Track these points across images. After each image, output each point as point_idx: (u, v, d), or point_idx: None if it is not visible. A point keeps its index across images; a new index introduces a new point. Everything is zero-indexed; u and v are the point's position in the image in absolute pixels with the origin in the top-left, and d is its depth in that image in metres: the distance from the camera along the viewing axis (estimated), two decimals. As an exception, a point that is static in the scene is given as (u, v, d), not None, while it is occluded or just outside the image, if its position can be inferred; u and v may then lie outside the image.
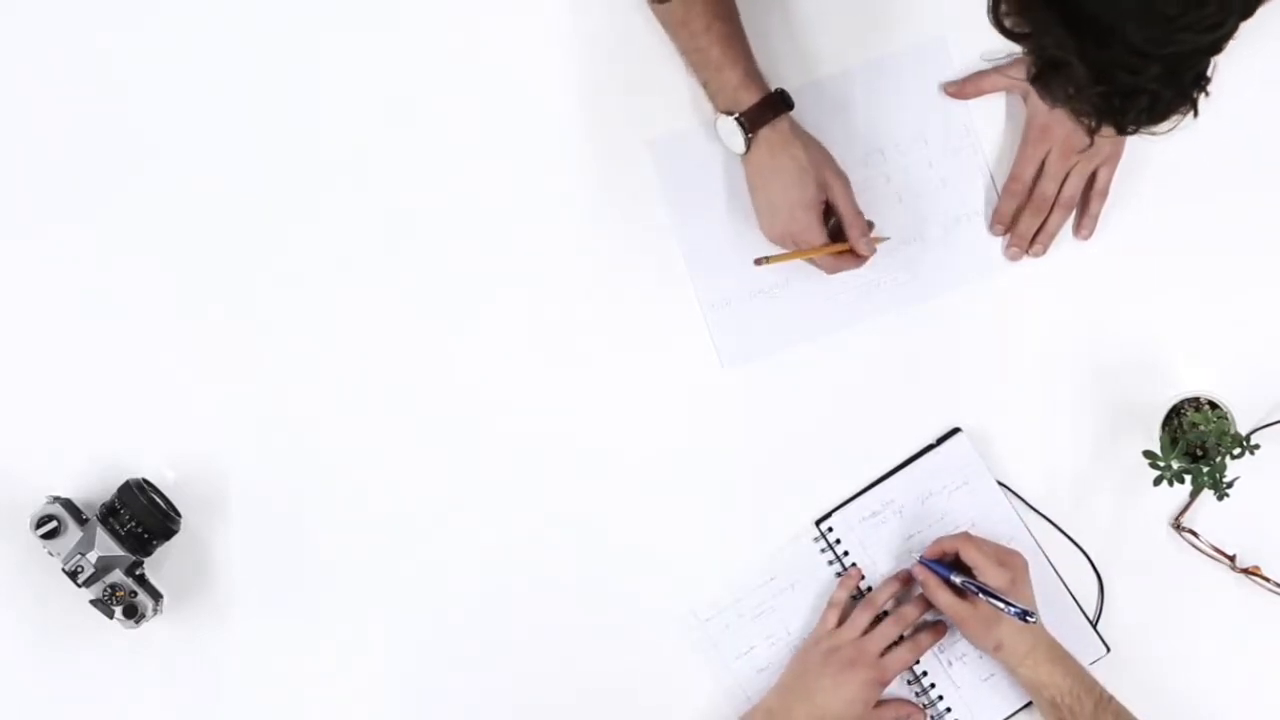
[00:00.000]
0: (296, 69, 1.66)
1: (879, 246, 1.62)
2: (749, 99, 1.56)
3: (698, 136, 1.65)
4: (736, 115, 1.57)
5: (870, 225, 1.61)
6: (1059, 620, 1.63)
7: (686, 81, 1.65)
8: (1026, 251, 1.67)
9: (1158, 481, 1.55)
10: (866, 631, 1.61)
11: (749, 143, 1.57)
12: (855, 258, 1.61)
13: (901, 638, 1.62)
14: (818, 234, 1.58)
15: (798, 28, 1.63)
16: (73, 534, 1.55)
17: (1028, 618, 1.53)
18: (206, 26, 1.65)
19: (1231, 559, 1.62)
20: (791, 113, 1.59)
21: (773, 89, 1.58)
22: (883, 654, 1.60)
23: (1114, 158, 1.64)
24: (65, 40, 1.65)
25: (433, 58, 1.66)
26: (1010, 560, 1.59)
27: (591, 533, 1.65)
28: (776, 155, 1.57)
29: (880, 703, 1.61)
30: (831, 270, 1.61)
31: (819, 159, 1.58)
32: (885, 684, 1.60)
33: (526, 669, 1.65)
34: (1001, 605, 1.55)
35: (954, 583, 1.59)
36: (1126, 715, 1.56)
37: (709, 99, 1.61)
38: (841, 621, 1.62)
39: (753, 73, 1.57)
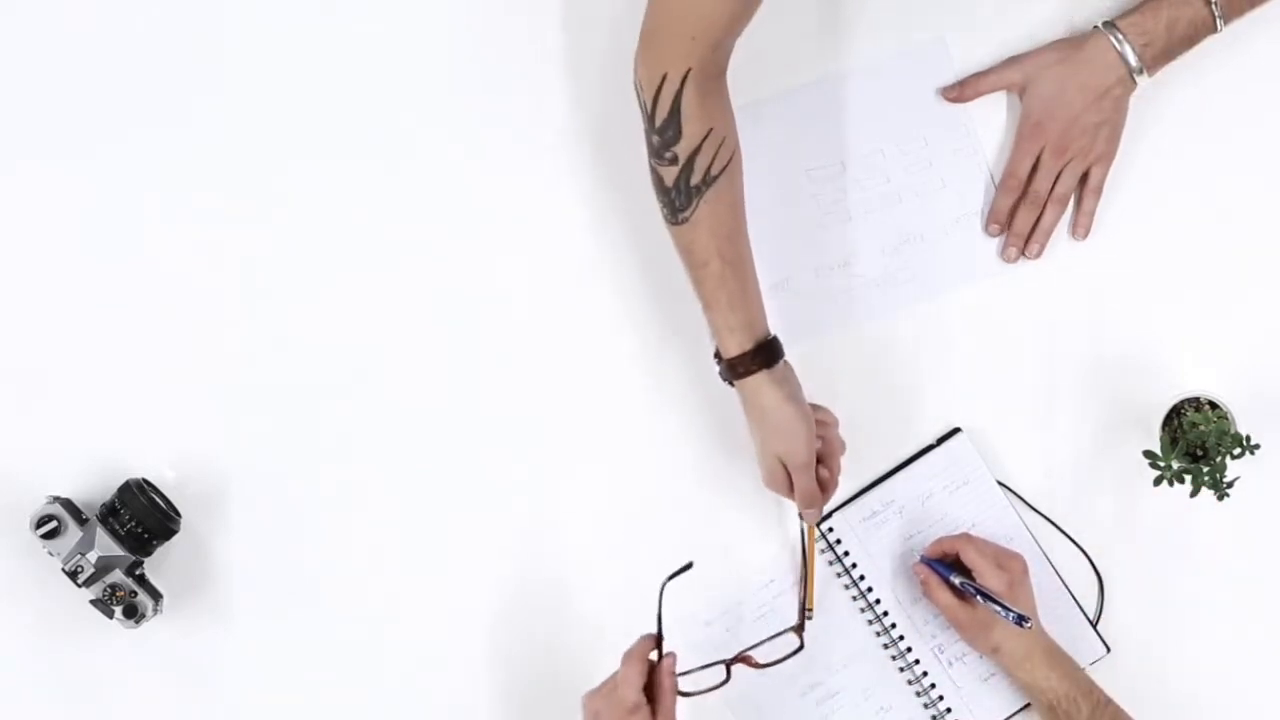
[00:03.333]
0: (296, 71, 1.65)
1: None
2: (731, 349, 1.52)
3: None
4: (718, 362, 1.54)
5: (833, 486, 1.59)
6: (1059, 620, 1.63)
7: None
8: (1023, 252, 1.67)
9: (1158, 481, 1.55)
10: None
11: (730, 382, 1.55)
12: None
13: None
14: (787, 495, 1.57)
15: (798, 28, 1.63)
16: (73, 534, 1.55)
17: (1024, 623, 1.53)
18: (206, 24, 1.65)
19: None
20: (781, 362, 1.53)
21: (765, 338, 1.53)
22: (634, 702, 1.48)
23: (1108, 156, 1.64)
24: (64, 38, 1.65)
25: (432, 58, 1.66)
26: (1009, 563, 1.59)
27: (592, 534, 1.65)
28: (751, 414, 1.55)
29: None
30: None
31: (784, 432, 1.53)
32: (656, 710, 1.47)
33: (526, 670, 1.65)
34: (999, 609, 1.54)
35: (953, 583, 1.59)
36: (1124, 718, 1.56)
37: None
38: None
39: (740, 321, 1.51)
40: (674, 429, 1.66)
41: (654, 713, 1.46)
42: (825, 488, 1.58)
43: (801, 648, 1.59)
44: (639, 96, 1.48)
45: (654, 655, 1.49)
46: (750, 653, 1.57)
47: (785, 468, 1.55)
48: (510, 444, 1.65)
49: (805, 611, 1.61)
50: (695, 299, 1.53)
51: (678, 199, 1.49)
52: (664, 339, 1.66)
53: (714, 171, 1.48)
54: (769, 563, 1.66)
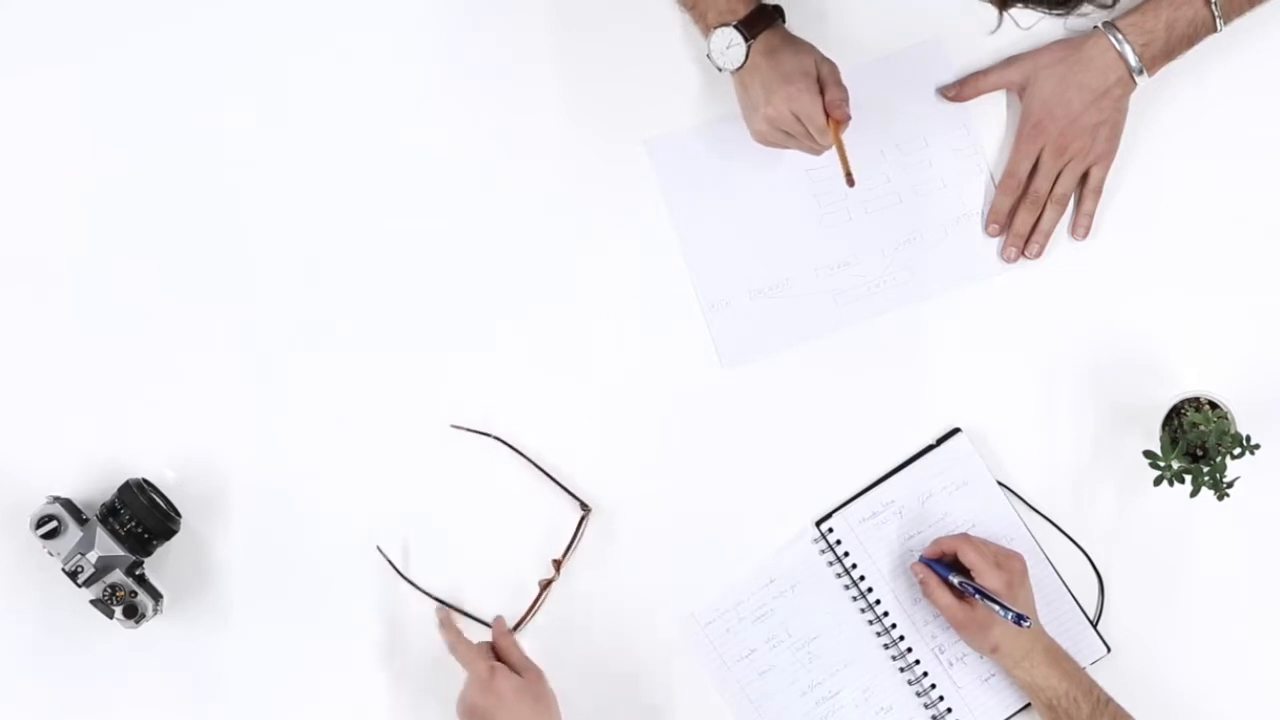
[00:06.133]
0: (295, 73, 1.66)
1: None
2: (744, 8, 1.55)
3: (697, 136, 1.66)
4: (734, 24, 1.54)
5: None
6: (1059, 620, 1.63)
7: (686, 81, 1.66)
8: (1023, 252, 1.67)
9: (1158, 481, 1.55)
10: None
11: (748, 51, 1.55)
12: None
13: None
14: (816, 103, 1.55)
15: (797, 29, 1.63)
16: (73, 534, 1.55)
17: (1023, 622, 1.53)
18: (205, 31, 1.65)
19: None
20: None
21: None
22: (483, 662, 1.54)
23: (1107, 156, 1.64)
24: (61, 44, 1.65)
25: (431, 59, 1.66)
26: (1008, 562, 1.59)
27: (591, 534, 1.65)
28: (774, 53, 1.55)
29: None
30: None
31: (811, 47, 1.57)
32: (514, 666, 1.54)
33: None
34: (997, 608, 1.54)
35: (953, 583, 1.59)
36: (1125, 717, 1.56)
37: (697, 22, 1.58)
38: None
39: None
40: (673, 428, 1.66)
41: (511, 666, 1.54)
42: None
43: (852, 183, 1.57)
44: None
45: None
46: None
47: (814, 75, 1.54)
48: (510, 443, 1.65)
49: (849, 177, 1.57)
50: (683, 7, 1.56)
51: None
52: (664, 339, 1.66)
53: None
54: (769, 563, 1.66)
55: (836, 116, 1.55)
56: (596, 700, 1.59)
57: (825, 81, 1.55)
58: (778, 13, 1.57)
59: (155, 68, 1.65)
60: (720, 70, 1.56)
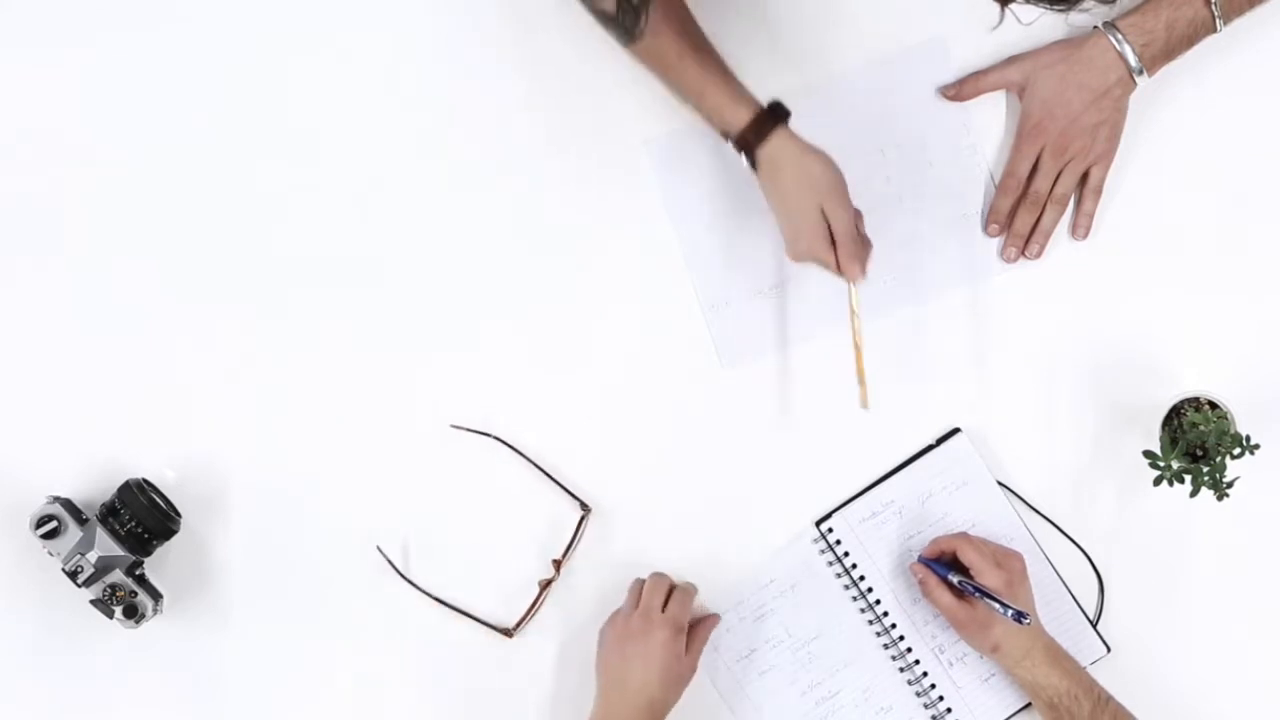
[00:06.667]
0: (295, 73, 1.66)
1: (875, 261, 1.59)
2: (739, 119, 1.52)
3: (697, 136, 1.65)
4: (732, 139, 1.54)
5: (868, 246, 1.57)
6: (1059, 620, 1.63)
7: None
8: (1023, 252, 1.67)
9: (1158, 481, 1.55)
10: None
11: (754, 164, 1.54)
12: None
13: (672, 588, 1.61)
14: (829, 256, 1.54)
15: (797, 29, 1.63)
16: (73, 534, 1.55)
17: (1023, 619, 1.53)
18: (199, 30, 1.65)
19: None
20: (789, 122, 1.54)
21: (765, 103, 1.53)
22: (664, 607, 1.58)
23: (1107, 156, 1.64)
24: (58, 42, 1.65)
25: (431, 59, 1.66)
26: (1008, 561, 1.59)
27: (591, 535, 1.65)
28: (778, 176, 1.53)
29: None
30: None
31: (817, 178, 1.53)
32: (682, 630, 1.58)
33: (527, 669, 1.65)
34: (997, 606, 1.54)
35: (952, 583, 1.59)
36: (1125, 715, 1.56)
37: (711, 128, 1.56)
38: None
39: (736, 93, 1.52)
40: (673, 428, 1.66)
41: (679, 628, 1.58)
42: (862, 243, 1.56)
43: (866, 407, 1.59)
44: None
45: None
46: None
47: (824, 219, 1.52)
48: (510, 443, 1.65)
49: (863, 402, 1.59)
50: (686, 108, 1.54)
51: (626, 19, 1.49)
52: (664, 339, 1.66)
53: None
54: (769, 563, 1.66)
55: (846, 277, 1.55)
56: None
57: (834, 234, 1.53)
58: (778, 115, 1.53)
59: (154, 68, 1.65)
60: None
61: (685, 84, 1.52)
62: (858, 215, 1.56)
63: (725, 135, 1.54)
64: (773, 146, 1.52)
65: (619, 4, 1.48)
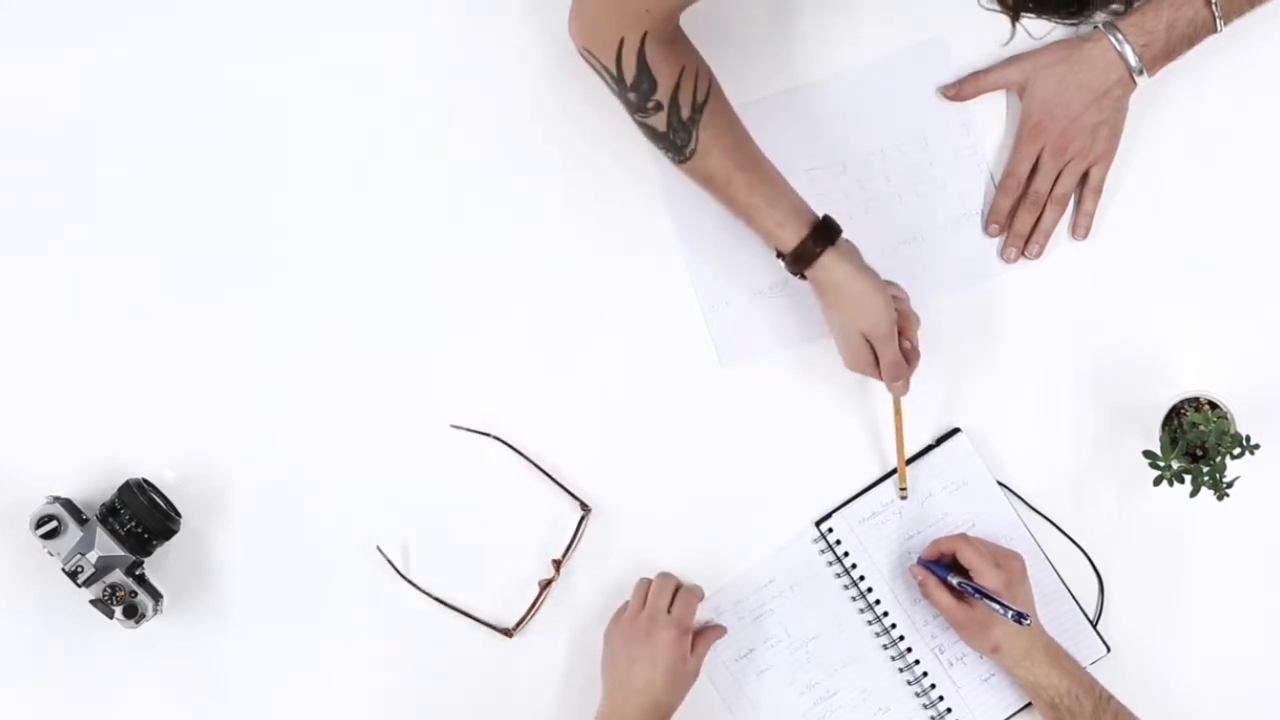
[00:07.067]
0: (296, 73, 1.65)
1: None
2: (788, 243, 1.53)
3: (697, 137, 1.66)
4: (785, 264, 1.55)
5: (915, 358, 1.60)
6: (1059, 620, 1.64)
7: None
8: (1023, 252, 1.67)
9: (1158, 481, 1.55)
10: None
11: (805, 277, 1.55)
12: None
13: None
14: (875, 372, 1.57)
15: (797, 28, 1.63)
16: (73, 534, 1.55)
17: (1023, 620, 1.53)
18: (199, 30, 1.65)
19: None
20: (842, 238, 1.54)
21: (817, 219, 1.53)
22: (670, 608, 1.59)
23: (1107, 156, 1.64)
24: (56, 45, 1.65)
25: (431, 59, 1.66)
26: (1007, 562, 1.59)
27: (591, 535, 1.65)
28: (827, 298, 1.55)
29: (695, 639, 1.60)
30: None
31: (864, 309, 1.54)
32: (688, 631, 1.58)
33: (527, 669, 1.65)
34: (997, 607, 1.54)
35: (951, 584, 1.59)
36: (1126, 715, 1.56)
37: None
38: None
39: (785, 214, 1.53)
40: (673, 428, 1.66)
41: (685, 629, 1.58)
42: (909, 358, 1.58)
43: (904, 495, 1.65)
44: (594, 63, 1.49)
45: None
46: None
47: (869, 343, 1.55)
48: (510, 443, 1.65)
49: (901, 491, 1.64)
50: (737, 221, 1.55)
51: (677, 138, 1.50)
52: (664, 339, 1.66)
53: (700, 99, 1.49)
54: (769, 563, 1.66)
55: (894, 392, 1.59)
56: (596, 700, 1.59)
57: (880, 362, 1.56)
58: (828, 234, 1.53)
59: (154, 68, 1.65)
60: None
61: (735, 205, 1.54)
62: (916, 320, 1.59)
63: (777, 254, 1.55)
64: (823, 269, 1.53)
65: (669, 123, 1.49)
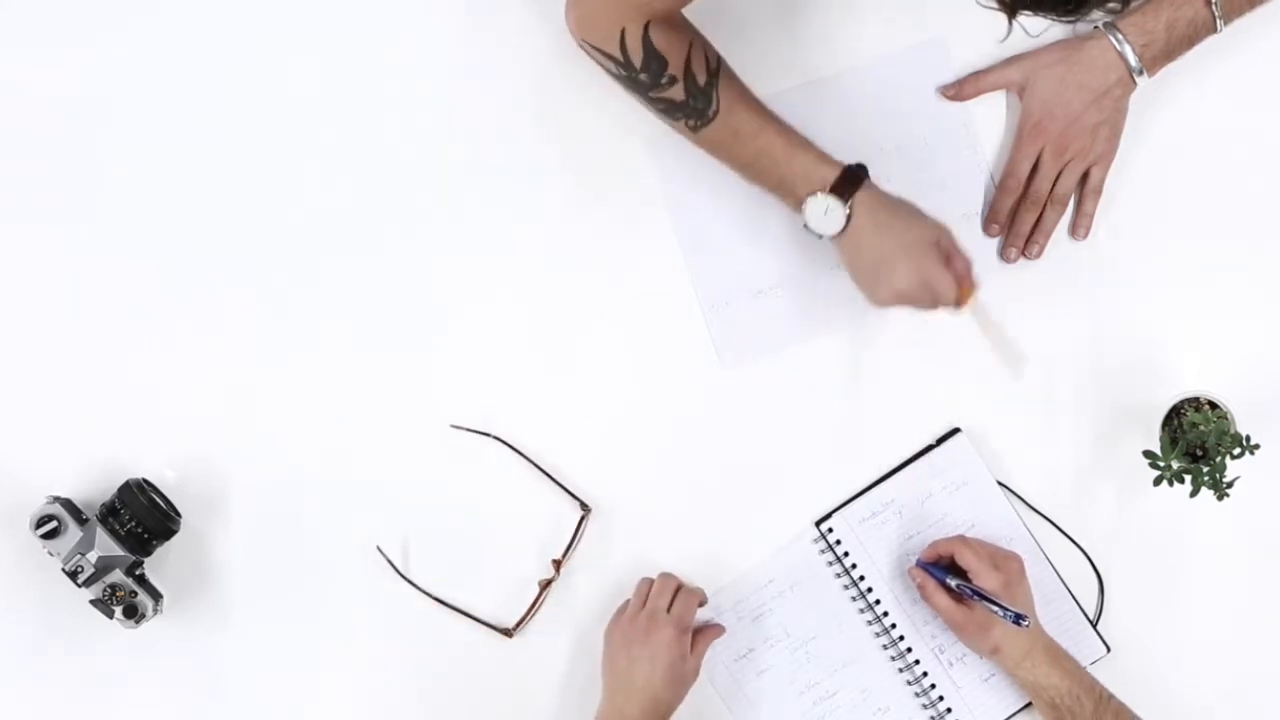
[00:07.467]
0: (295, 70, 1.66)
1: None
2: (832, 173, 1.53)
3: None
4: (829, 190, 1.53)
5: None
6: (1059, 620, 1.64)
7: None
8: (1023, 252, 1.67)
9: (1158, 481, 1.55)
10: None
11: (848, 216, 1.53)
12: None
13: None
14: (946, 276, 1.54)
15: (797, 28, 1.63)
16: (73, 534, 1.55)
17: (1021, 621, 1.53)
18: (189, 31, 1.65)
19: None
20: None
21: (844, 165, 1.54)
22: (670, 608, 1.59)
23: (1107, 156, 1.64)
24: (56, 45, 1.65)
25: (431, 58, 1.66)
26: (1005, 563, 1.59)
27: (591, 535, 1.65)
28: (877, 215, 1.54)
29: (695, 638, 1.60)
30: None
31: (923, 212, 1.55)
32: (687, 630, 1.58)
33: (527, 669, 1.65)
34: (996, 609, 1.54)
35: (950, 585, 1.59)
36: (1127, 714, 1.56)
37: (785, 199, 1.55)
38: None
39: (822, 152, 1.54)
40: (673, 428, 1.66)
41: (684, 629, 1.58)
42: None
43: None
44: (597, 54, 1.51)
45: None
46: None
47: (936, 250, 1.53)
48: (510, 443, 1.65)
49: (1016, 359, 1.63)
50: (766, 188, 1.55)
51: (698, 103, 1.51)
52: (664, 339, 1.66)
53: (713, 64, 1.52)
54: (769, 563, 1.66)
55: (966, 289, 1.56)
56: (596, 700, 1.59)
57: (946, 250, 1.55)
58: (862, 171, 1.55)
59: (154, 68, 1.65)
60: (820, 237, 1.55)
61: (771, 152, 1.53)
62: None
63: (812, 193, 1.53)
64: (871, 193, 1.53)
65: (687, 90, 1.51)
